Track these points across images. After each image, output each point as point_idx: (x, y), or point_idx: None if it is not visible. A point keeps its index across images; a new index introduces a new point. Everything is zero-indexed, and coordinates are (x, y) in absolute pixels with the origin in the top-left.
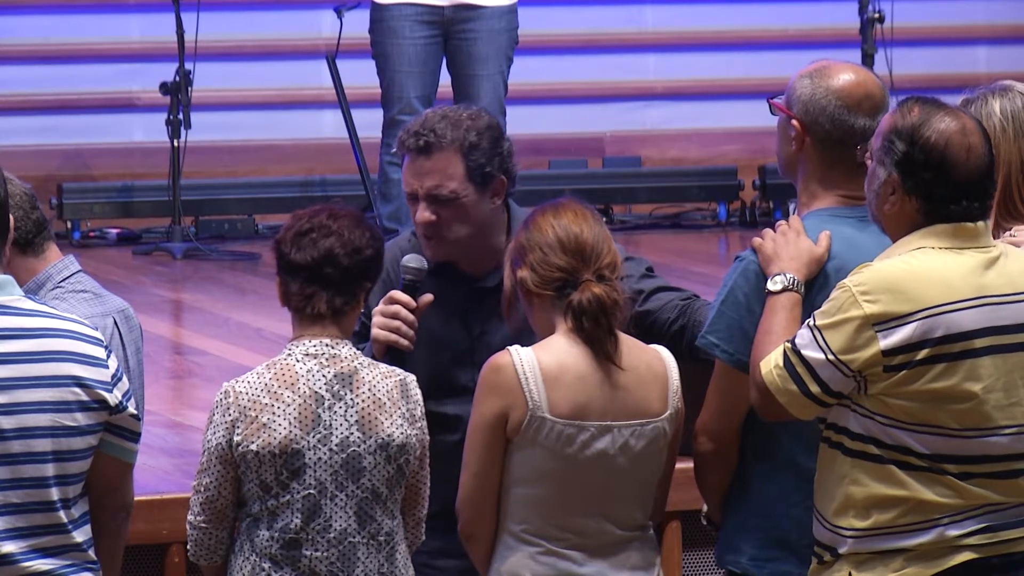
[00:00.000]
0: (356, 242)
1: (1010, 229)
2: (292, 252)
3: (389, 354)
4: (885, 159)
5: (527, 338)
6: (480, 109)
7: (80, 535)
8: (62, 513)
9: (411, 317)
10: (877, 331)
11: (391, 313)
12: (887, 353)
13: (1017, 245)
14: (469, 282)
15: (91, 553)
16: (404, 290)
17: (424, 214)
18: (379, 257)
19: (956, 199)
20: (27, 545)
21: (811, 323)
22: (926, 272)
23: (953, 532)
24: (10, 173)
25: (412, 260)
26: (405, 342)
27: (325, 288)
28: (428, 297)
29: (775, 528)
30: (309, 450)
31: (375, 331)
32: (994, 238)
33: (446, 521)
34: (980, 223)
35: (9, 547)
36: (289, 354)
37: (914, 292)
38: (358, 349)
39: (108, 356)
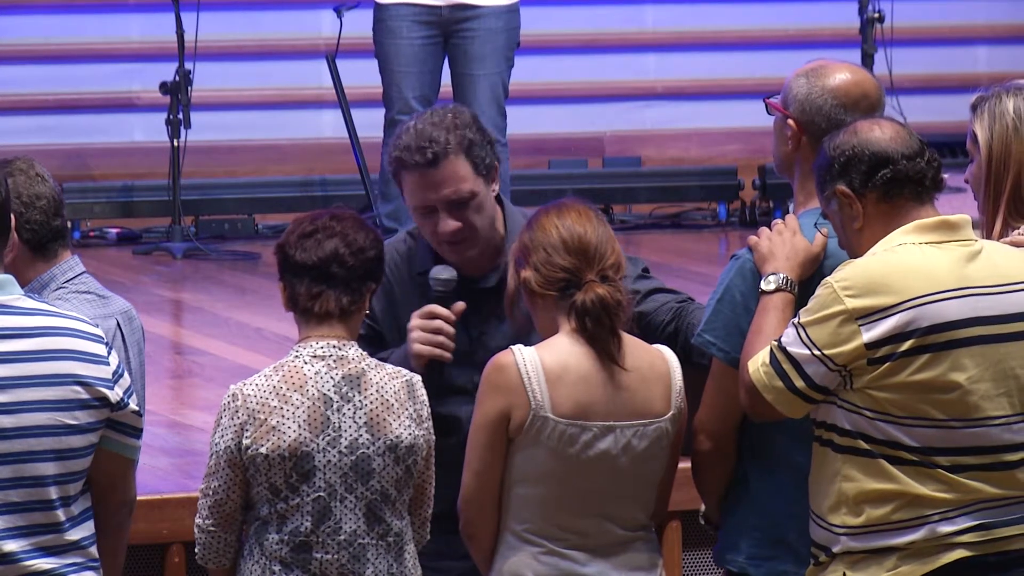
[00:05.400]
0: (360, 242)
1: (1018, 228)
2: (297, 254)
3: (428, 366)
4: (828, 188)
5: (527, 339)
6: (454, 106)
7: (80, 533)
8: (60, 512)
9: (452, 331)
10: (860, 324)
11: (434, 328)
12: (870, 346)
13: (1021, 244)
14: (468, 284)
15: (93, 551)
16: (437, 302)
17: (449, 223)
18: (381, 258)
19: (895, 160)
20: (28, 544)
21: (796, 321)
22: (908, 265)
23: (945, 529)
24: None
25: (443, 272)
26: (448, 355)
27: (332, 287)
28: (461, 305)
29: (773, 527)
30: (319, 452)
31: (417, 346)
32: (1000, 237)
33: (446, 523)
34: (960, 217)
35: (11, 546)
36: (297, 356)
37: (897, 284)
38: (382, 356)
39: (109, 353)
